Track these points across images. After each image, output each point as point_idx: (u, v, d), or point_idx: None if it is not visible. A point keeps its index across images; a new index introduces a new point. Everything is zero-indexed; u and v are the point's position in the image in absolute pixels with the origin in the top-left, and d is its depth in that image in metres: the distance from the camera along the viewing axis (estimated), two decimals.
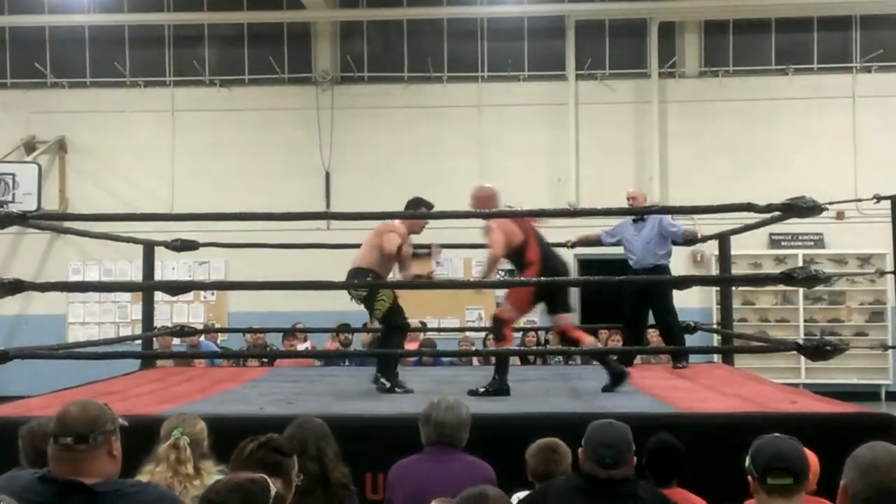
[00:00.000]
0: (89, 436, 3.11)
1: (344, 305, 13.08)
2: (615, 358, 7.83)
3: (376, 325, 8.78)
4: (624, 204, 9.34)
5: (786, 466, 3.51)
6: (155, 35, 16.52)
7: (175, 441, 4.26)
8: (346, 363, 11.59)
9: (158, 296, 11.34)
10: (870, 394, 14.47)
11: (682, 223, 9.72)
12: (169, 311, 15.19)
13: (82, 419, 3.14)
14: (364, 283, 7.60)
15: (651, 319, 9.72)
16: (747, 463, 3.62)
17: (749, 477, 3.62)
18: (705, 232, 10.15)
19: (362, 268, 7.74)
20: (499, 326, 7.59)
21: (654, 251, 9.16)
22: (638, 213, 9.20)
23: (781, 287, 14.37)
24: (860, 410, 6.30)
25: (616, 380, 7.44)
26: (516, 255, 7.63)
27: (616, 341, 11.49)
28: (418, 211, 7.82)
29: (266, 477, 2.87)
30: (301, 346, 11.94)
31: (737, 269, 12.69)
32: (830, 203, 6.52)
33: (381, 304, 7.66)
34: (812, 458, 4.19)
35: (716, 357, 10.94)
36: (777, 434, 3.72)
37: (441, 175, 15.46)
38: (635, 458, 4.25)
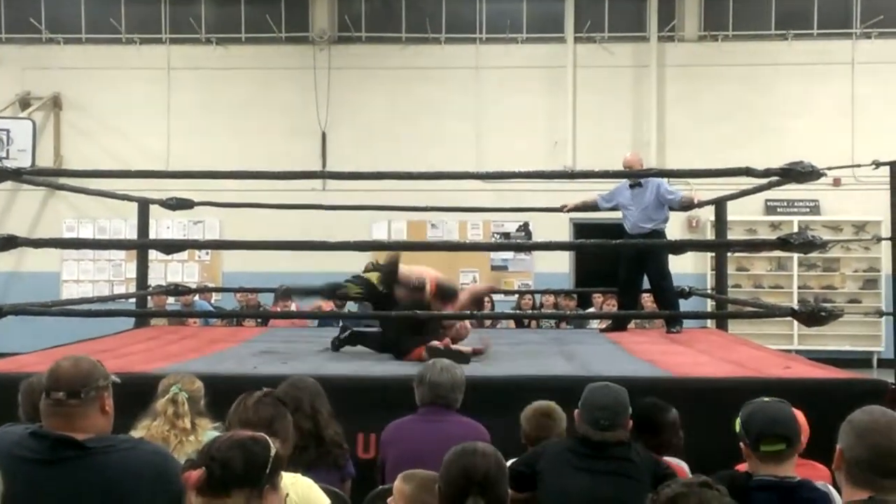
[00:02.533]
0: (81, 391, 3.09)
1: (338, 266, 13.07)
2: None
3: None
4: (621, 167, 9.29)
5: (779, 433, 3.52)
6: None
7: (174, 395, 4.32)
8: (340, 324, 11.57)
9: (153, 254, 11.29)
10: (862, 360, 14.50)
11: (680, 188, 9.69)
12: (163, 269, 15.16)
13: (75, 374, 3.13)
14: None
15: (646, 284, 9.72)
16: (738, 429, 3.62)
17: (741, 443, 3.62)
18: (702, 197, 10.12)
19: None
20: None
21: (651, 216, 9.14)
22: (632, 177, 9.16)
23: (776, 253, 14.41)
24: (854, 376, 6.31)
25: None
26: None
27: (611, 306, 11.51)
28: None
29: (266, 436, 2.86)
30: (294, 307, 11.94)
31: (732, 236, 12.65)
32: (829, 168, 6.49)
33: None
34: (800, 417, 4.21)
35: (709, 322, 10.95)
36: (766, 398, 3.72)
37: (438, 137, 15.45)
38: (631, 422, 4.25)
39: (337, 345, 7.60)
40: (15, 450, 3.04)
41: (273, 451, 2.76)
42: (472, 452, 3.31)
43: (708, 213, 12.40)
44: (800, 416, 4.18)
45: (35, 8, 16.37)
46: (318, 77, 15.87)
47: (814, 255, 13.14)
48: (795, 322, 7.18)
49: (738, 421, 3.65)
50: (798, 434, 3.63)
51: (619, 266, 9.56)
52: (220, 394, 4.31)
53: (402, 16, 16.25)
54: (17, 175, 7.24)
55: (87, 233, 15.72)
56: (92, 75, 16.07)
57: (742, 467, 3.75)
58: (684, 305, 10.22)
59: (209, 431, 4.18)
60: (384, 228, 15.43)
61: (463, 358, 6.53)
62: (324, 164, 15.60)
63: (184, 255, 15.22)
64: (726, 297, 10.03)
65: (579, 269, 15.66)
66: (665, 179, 9.33)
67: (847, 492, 2.52)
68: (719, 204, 9.76)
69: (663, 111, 15.73)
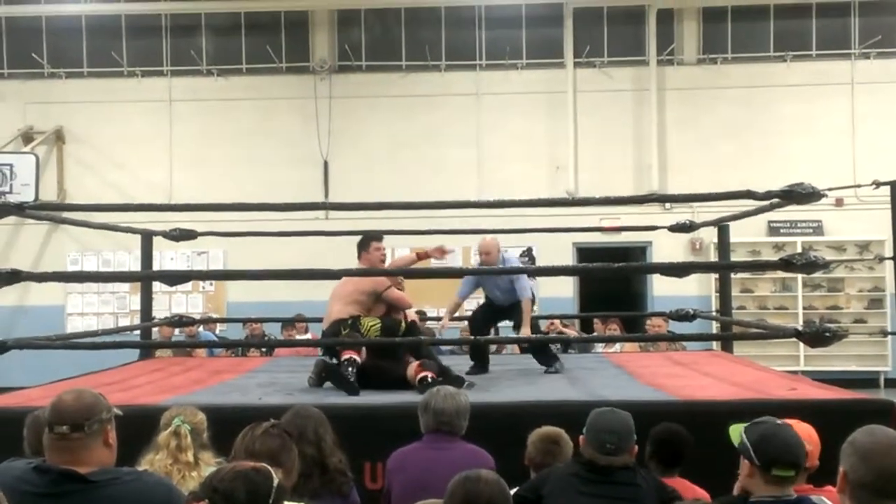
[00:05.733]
0: (85, 424, 3.09)
1: None
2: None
3: None
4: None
5: (792, 460, 3.52)
6: (152, 24, 16.47)
7: (176, 429, 4.29)
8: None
9: (157, 286, 11.30)
10: (869, 380, 14.46)
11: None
12: (167, 301, 15.18)
13: (77, 407, 3.12)
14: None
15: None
16: (742, 445, 3.58)
17: (746, 460, 3.59)
18: (705, 218, 10.12)
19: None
20: None
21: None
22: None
23: (780, 274, 14.38)
24: (861, 396, 6.29)
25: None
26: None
27: (613, 329, 11.48)
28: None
29: (268, 466, 2.85)
30: (302, 336, 11.92)
31: (735, 257, 12.65)
32: (829, 189, 6.50)
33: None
34: (811, 432, 4.18)
35: (714, 345, 10.93)
36: (777, 421, 3.69)
37: (439, 164, 15.49)
38: (636, 447, 4.24)
39: (316, 381, 7.30)
40: (18, 484, 3.03)
41: (275, 482, 2.75)
42: (475, 480, 3.28)
43: (711, 235, 12.38)
44: (811, 430, 4.18)
45: (37, 42, 16.47)
46: (319, 106, 15.93)
47: (818, 275, 13.14)
48: (801, 343, 7.13)
49: (740, 435, 3.62)
50: (804, 461, 3.62)
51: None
52: (225, 425, 4.29)
53: (401, 44, 16.32)
54: (20, 209, 7.25)
55: (91, 265, 15.73)
56: (94, 109, 16.14)
57: (739, 487, 3.70)
58: (689, 328, 10.20)
59: (212, 467, 4.14)
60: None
61: (458, 381, 6.55)
62: (326, 193, 15.64)
63: (188, 286, 15.18)
64: (731, 318, 10.00)
65: (583, 293, 15.64)
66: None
67: None
68: (721, 226, 9.76)
69: (664, 134, 15.75)
